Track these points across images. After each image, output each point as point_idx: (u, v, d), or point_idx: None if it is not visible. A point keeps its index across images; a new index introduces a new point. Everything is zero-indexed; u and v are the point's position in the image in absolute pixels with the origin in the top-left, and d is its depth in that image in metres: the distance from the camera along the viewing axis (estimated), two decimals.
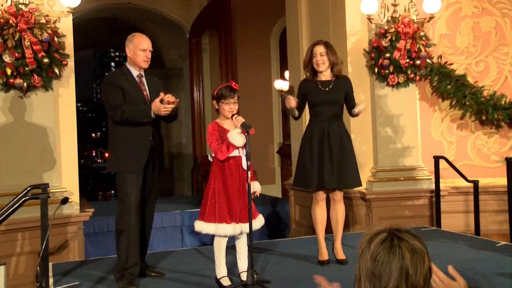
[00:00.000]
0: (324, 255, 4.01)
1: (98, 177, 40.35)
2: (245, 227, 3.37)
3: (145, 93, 3.68)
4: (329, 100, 3.96)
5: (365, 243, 1.41)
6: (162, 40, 12.75)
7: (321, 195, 4.00)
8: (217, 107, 3.48)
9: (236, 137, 3.33)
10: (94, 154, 54.30)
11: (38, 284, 3.11)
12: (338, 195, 4.02)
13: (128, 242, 3.50)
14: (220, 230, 3.34)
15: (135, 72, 3.70)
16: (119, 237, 3.54)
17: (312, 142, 3.96)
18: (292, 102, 3.94)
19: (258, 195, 3.52)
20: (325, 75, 4.03)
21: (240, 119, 3.35)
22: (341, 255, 4.03)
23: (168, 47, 12.75)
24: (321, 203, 4.02)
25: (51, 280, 3.61)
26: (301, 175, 3.98)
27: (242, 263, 3.52)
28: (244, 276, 3.45)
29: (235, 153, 3.40)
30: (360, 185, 4.14)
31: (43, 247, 3.18)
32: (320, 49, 3.99)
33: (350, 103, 4.11)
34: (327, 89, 3.99)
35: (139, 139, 3.57)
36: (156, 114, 3.51)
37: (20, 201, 3.40)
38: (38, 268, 3.16)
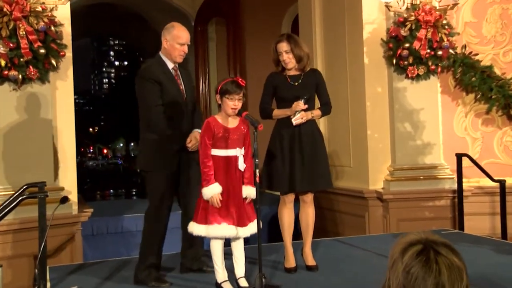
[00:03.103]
0: (292, 261, 4.05)
1: (96, 175, 40.60)
2: (240, 231, 3.47)
3: (181, 87, 3.81)
4: (298, 96, 3.97)
5: (397, 254, 1.40)
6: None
7: (290, 197, 4.06)
8: (219, 102, 3.54)
9: (206, 195, 3.44)
10: (91, 150, 54.60)
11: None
12: (309, 197, 4.08)
13: (159, 242, 3.75)
14: (210, 232, 3.44)
15: (170, 65, 3.81)
16: (153, 237, 3.75)
17: (282, 142, 4.00)
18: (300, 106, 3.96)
19: (251, 201, 3.59)
20: (293, 69, 4.08)
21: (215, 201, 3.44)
22: (311, 261, 4.07)
23: None
24: (289, 206, 4.09)
25: (48, 284, 3.71)
26: (272, 178, 4.01)
27: (239, 268, 3.59)
28: (242, 282, 3.55)
29: (230, 152, 3.49)
30: (331, 186, 4.24)
31: (41, 249, 3.28)
32: (284, 47, 4.00)
33: (322, 97, 4.15)
34: (296, 84, 4.03)
35: (178, 136, 3.72)
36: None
37: (17, 200, 3.51)
38: (36, 270, 3.27)
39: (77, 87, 5.14)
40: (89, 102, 56.05)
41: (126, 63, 63.60)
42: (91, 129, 52.14)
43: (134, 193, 30.12)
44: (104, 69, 71.47)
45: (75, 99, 5.04)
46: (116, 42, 64.96)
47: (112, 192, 30.91)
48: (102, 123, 52.11)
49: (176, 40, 3.75)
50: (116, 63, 69.61)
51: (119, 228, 5.97)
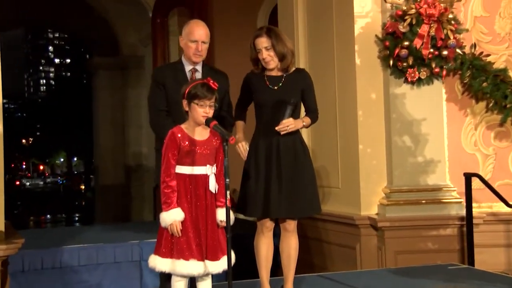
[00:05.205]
0: None
1: (30, 196, 40.06)
2: (211, 266, 3.46)
3: None
4: (278, 102, 4.02)
5: None
6: (117, 20, 12.79)
7: (268, 224, 4.07)
8: (187, 108, 3.56)
9: (165, 221, 3.46)
10: (24, 166, 53.89)
11: None
12: (291, 225, 4.09)
13: None
14: (177, 268, 3.42)
15: (188, 67, 4.04)
16: None
17: (258, 157, 4.03)
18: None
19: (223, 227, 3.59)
20: (275, 70, 4.12)
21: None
22: None
23: (126, 29, 12.80)
24: (268, 235, 4.10)
25: None
26: (245, 200, 4.04)
27: None
28: None
29: (198, 170, 3.49)
30: (319, 211, 4.26)
31: None
32: (263, 43, 4.03)
33: (308, 103, 4.19)
34: (276, 87, 4.06)
35: None
36: None
37: None
38: None
39: (6, 89, 5.06)
40: (22, 108, 55.40)
41: (68, 60, 63.19)
42: (24, 141, 51.47)
43: (76, 218, 29.81)
44: (41, 68, 70.82)
45: (3, 103, 4.96)
46: (57, 34, 64.48)
47: (50, 217, 30.53)
48: (38, 134, 51.50)
49: (188, 37, 4.05)
50: (56, 60, 69.06)
51: (57, 263, 5.88)
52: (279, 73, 4.10)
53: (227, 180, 3.37)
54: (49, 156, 53.12)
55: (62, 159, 54.39)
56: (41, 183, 52.12)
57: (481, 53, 5.75)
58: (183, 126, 3.58)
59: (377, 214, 5.58)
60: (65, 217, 30.89)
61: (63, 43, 64.79)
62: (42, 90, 67.89)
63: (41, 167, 55.58)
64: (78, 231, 8.78)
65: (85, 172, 43.80)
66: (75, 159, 51.20)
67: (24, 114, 53.69)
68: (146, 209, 12.65)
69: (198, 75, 4.05)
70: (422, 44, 5.37)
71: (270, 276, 4.16)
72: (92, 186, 28.44)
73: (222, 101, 4.13)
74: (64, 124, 42.90)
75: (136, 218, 12.92)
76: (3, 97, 4.99)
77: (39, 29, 52.87)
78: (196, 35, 4.06)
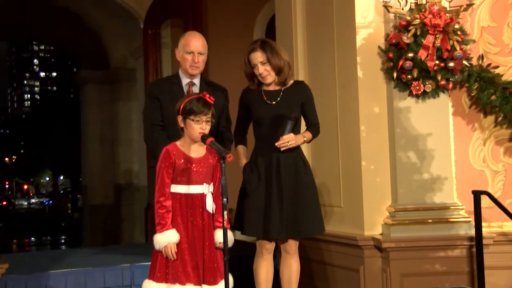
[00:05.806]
0: None
1: (13, 218, 39.90)
2: None
3: None
4: (277, 117, 4.05)
5: None
6: (107, 31, 12.83)
7: (268, 246, 4.09)
8: (182, 125, 3.57)
9: (159, 243, 3.49)
10: (7, 186, 53.76)
11: None
12: (292, 247, 4.11)
13: None
14: None
15: (185, 80, 4.13)
16: None
17: (257, 174, 4.06)
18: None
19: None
20: (272, 84, 4.16)
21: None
22: None
23: (115, 40, 12.83)
24: (267, 257, 4.12)
25: None
26: (242, 219, 4.05)
27: None
28: None
29: (194, 189, 3.50)
30: (322, 231, 4.27)
31: None
32: (258, 57, 4.08)
33: (309, 117, 4.22)
34: (273, 102, 4.09)
35: None
36: None
37: None
38: None
39: None
40: (5, 124, 55.38)
41: (54, 74, 63.27)
42: (7, 159, 51.40)
43: (63, 241, 29.71)
44: (25, 82, 70.93)
45: None
46: (42, 47, 64.68)
47: (34, 240, 30.41)
48: (22, 151, 51.40)
49: (184, 49, 4.12)
50: (42, 74, 69.20)
51: None
52: (277, 87, 4.13)
53: (225, 199, 3.38)
54: (34, 175, 52.99)
55: (47, 178, 54.30)
56: (25, 203, 51.96)
57: (489, 64, 5.77)
58: (178, 143, 3.59)
59: (381, 234, 5.57)
60: (50, 239, 30.77)
61: (48, 55, 64.97)
62: (26, 105, 67.94)
63: (25, 187, 55.49)
64: (65, 254, 8.73)
65: (72, 191, 43.71)
66: (61, 177, 51.10)
67: (7, 131, 53.65)
68: (137, 230, 12.63)
69: (195, 89, 4.10)
70: (427, 55, 5.39)
71: None
72: (80, 206, 28.38)
73: (221, 116, 4.16)
74: (49, 141, 42.80)
75: (127, 240, 12.89)
76: None
77: (24, 41, 53.07)
78: (192, 46, 4.12)
